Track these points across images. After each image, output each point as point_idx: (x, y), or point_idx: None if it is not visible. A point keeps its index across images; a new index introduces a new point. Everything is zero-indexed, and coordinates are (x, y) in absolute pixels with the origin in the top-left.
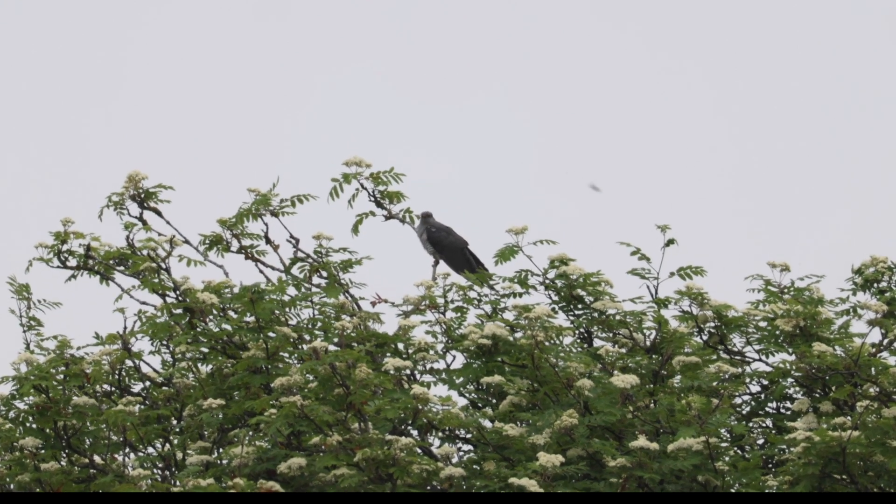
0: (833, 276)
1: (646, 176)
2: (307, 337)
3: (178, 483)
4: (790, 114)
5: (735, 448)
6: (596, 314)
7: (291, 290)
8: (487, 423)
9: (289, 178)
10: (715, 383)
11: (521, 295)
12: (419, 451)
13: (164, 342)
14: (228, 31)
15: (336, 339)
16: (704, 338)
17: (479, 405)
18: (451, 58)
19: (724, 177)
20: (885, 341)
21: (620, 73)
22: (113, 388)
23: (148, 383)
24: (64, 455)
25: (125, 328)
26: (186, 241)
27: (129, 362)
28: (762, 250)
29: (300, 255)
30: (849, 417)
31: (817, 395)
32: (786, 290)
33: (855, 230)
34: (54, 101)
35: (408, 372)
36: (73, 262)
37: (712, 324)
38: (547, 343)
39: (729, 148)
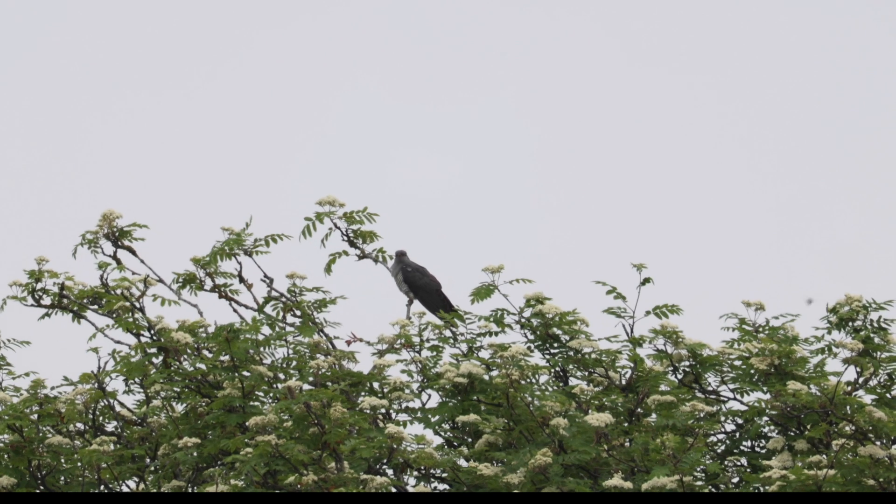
0: (808, 313)
1: (627, 197)
2: (282, 376)
3: None
4: (780, 137)
5: (710, 487)
6: (571, 353)
7: (266, 330)
8: (462, 462)
9: (290, 192)
10: (690, 422)
11: (496, 334)
12: (394, 490)
13: (139, 381)
14: (204, 58)
15: (311, 379)
16: (679, 377)
17: (455, 444)
18: (452, 64)
19: (712, 201)
20: (861, 380)
21: (619, 78)
22: (87, 428)
23: (122, 422)
24: None
25: (99, 367)
26: (160, 280)
27: (103, 401)
28: (742, 283)
29: (274, 294)
30: (824, 456)
31: (792, 434)
32: (760, 329)
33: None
34: (28, 136)
35: (383, 411)
36: (47, 300)
37: (687, 363)
38: (522, 382)
39: (720, 169)
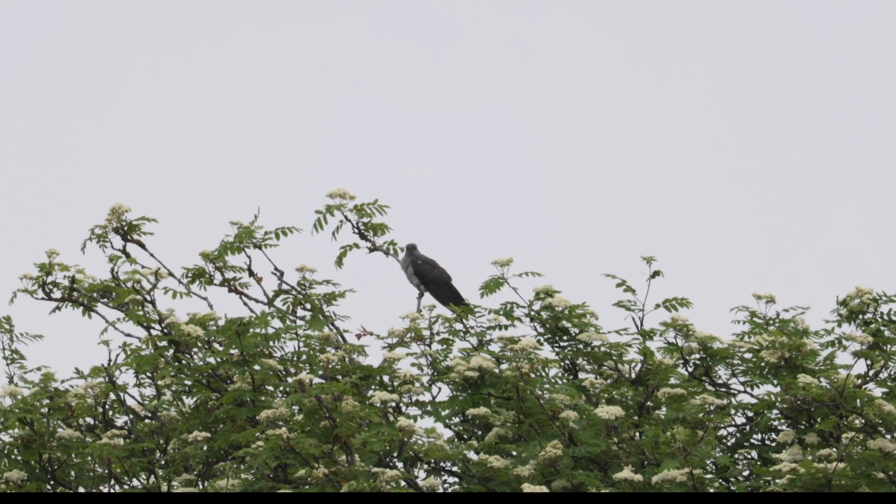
0: (818, 306)
1: (636, 192)
2: (292, 369)
3: None
4: (787, 131)
5: (720, 480)
6: (581, 346)
7: (276, 323)
8: (473, 455)
9: (294, 188)
10: (700, 415)
11: (506, 327)
12: (405, 483)
13: (149, 375)
14: (216, 55)
15: (321, 372)
16: (690, 369)
17: (465, 437)
18: (452, 65)
19: (715, 200)
20: (871, 373)
21: (619, 77)
22: (97, 421)
23: (132, 416)
24: (49, 488)
25: (110, 361)
26: (171, 274)
27: (113, 395)
28: (751, 276)
29: (284, 287)
30: (834, 449)
31: (802, 427)
32: (771, 322)
33: (847, 252)
34: (37, 130)
35: (393, 404)
36: (57, 293)
37: (697, 355)
38: (532, 375)
39: (723, 168)
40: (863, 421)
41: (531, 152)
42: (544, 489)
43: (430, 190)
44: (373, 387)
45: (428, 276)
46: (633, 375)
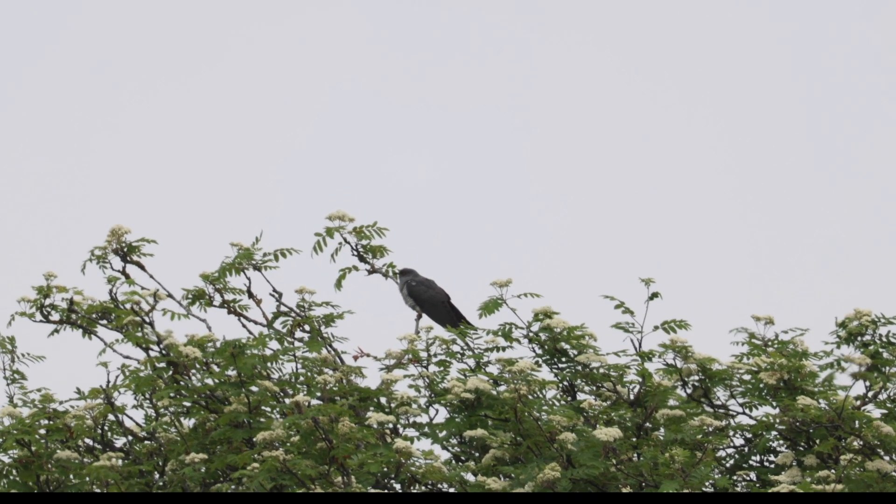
0: (817, 328)
1: (634, 198)
2: (289, 391)
3: None
4: (787, 140)
5: None
6: (580, 367)
7: (274, 345)
8: (470, 477)
9: (288, 198)
10: (699, 436)
11: (504, 348)
12: None
13: (147, 396)
14: (210, 67)
15: (318, 394)
16: (688, 391)
17: (462, 459)
18: (445, 67)
19: (714, 213)
20: (869, 394)
21: (616, 85)
22: (95, 443)
23: (130, 437)
24: None
25: (108, 382)
26: (170, 295)
27: (111, 416)
28: (750, 298)
29: (283, 309)
30: (833, 471)
31: (801, 449)
32: (770, 343)
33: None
34: (36, 152)
35: (391, 426)
36: (55, 316)
37: (696, 377)
38: (530, 397)
39: (721, 179)
40: (861, 442)
41: (523, 157)
42: None
43: (419, 191)
44: (370, 408)
45: (422, 297)
46: (632, 397)
